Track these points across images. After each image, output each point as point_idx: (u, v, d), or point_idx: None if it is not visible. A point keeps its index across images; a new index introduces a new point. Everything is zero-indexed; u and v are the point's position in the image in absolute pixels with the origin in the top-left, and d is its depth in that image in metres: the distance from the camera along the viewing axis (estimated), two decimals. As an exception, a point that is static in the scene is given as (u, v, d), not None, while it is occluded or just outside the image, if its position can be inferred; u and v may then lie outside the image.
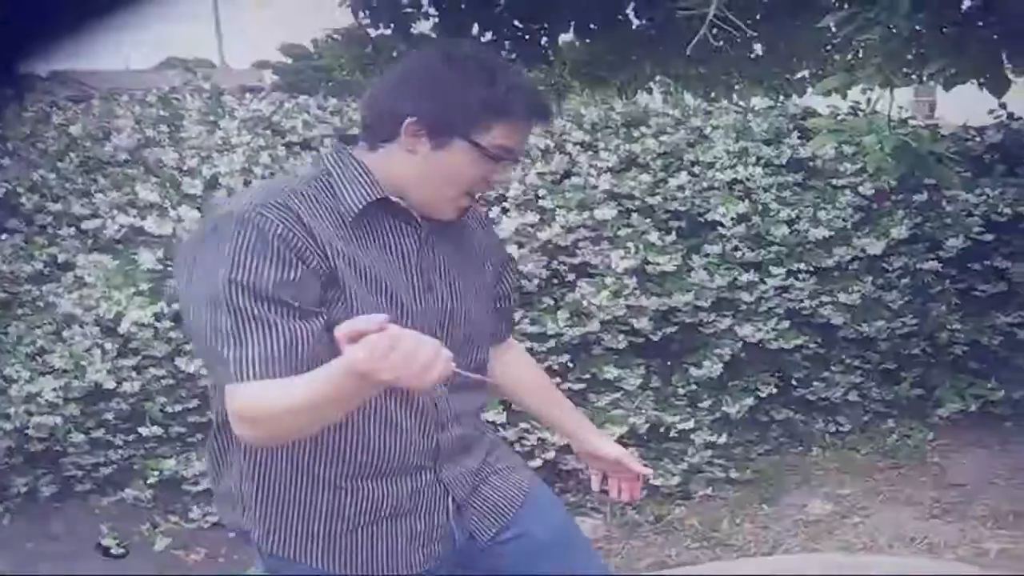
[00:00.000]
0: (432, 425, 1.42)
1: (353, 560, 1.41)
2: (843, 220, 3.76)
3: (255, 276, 1.21)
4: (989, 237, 3.85)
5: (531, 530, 1.54)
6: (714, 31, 3.03)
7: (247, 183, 3.54)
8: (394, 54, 3.96)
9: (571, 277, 3.58)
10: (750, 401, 3.70)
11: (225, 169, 3.60)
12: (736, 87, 4.37)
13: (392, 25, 3.98)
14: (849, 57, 4.05)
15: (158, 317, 3.14)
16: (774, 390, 3.82)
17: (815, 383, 3.91)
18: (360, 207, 1.33)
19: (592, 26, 3.97)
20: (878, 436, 3.98)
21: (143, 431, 3.20)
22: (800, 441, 3.95)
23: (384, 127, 1.36)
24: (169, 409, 3.24)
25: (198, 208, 3.41)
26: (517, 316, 3.16)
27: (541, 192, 3.61)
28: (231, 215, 1.25)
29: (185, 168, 3.71)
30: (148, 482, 3.25)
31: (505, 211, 3.56)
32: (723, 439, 3.56)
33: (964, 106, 4.16)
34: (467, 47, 1.61)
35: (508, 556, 1.52)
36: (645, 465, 1.71)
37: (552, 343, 3.40)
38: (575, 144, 3.94)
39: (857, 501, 3.58)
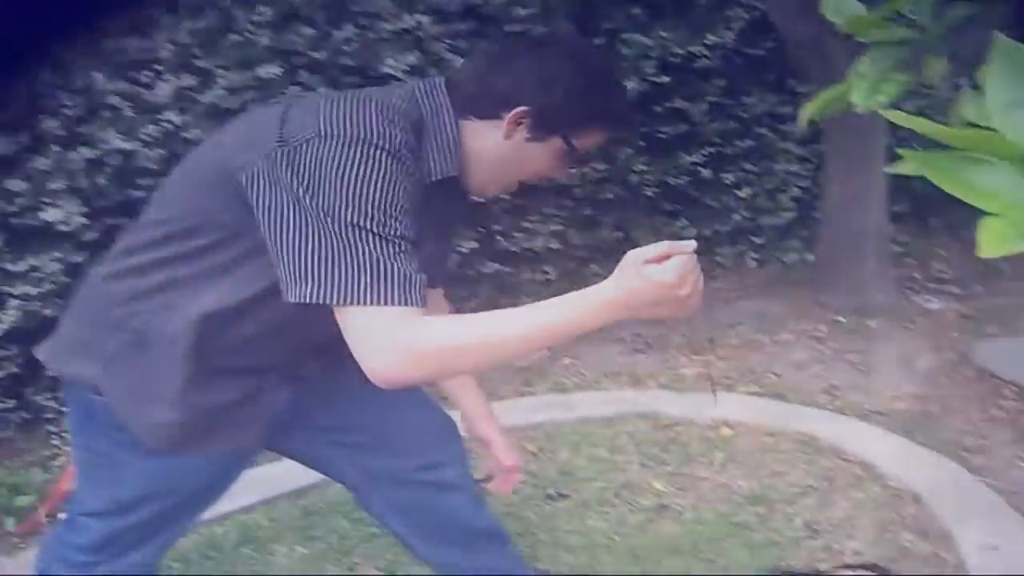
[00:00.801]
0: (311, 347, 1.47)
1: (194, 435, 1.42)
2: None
3: (399, 207, 1.20)
4: (666, 79, 3.89)
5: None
6: None
7: None
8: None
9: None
10: (455, 258, 3.58)
11: None
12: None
13: None
14: None
15: None
16: (476, 244, 3.72)
17: (516, 234, 3.86)
18: (439, 178, 1.33)
19: None
20: (583, 281, 4.01)
21: None
22: (509, 292, 3.91)
23: (487, 104, 1.35)
24: None
25: None
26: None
27: (196, 51, 3.15)
28: (371, 143, 1.21)
29: None
30: None
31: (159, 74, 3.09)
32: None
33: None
34: (584, 42, 1.64)
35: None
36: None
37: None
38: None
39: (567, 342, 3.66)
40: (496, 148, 1.36)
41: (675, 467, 2.80)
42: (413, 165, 1.26)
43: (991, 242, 0.79)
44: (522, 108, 1.33)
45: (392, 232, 1.18)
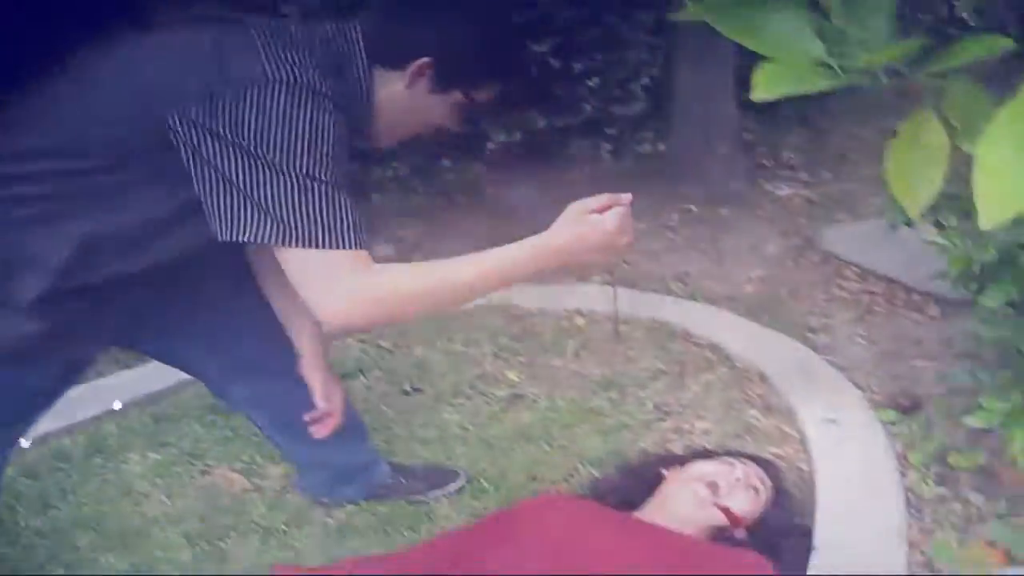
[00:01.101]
0: None
1: None
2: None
3: (334, 151, 1.24)
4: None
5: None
6: None
7: None
8: None
9: None
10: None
11: None
12: None
13: None
14: None
15: None
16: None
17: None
18: (356, 127, 1.33)
19: None
20: (435, 175, 3.94)
21: None
22: (361, 189, 3.77)
23: (393, 54, 1.35)
24: None
25: None
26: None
27: None
28: (316, 91, 1.22)
29: None
30: None
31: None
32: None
33: None
34: None
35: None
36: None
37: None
38: None
39: (419, 240, 3.61)
40: (399, 98, 1.38)
41: (529, 357, 2.79)
42: (343, 113, 1.28)
43: (764, 85, 0.76)
44: (425, 59, 1.34)
45: (337, 179, 1.24)
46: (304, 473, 2.03)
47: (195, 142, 1.21)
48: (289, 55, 1.24)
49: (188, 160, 1.22)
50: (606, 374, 2.65)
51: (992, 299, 1.59)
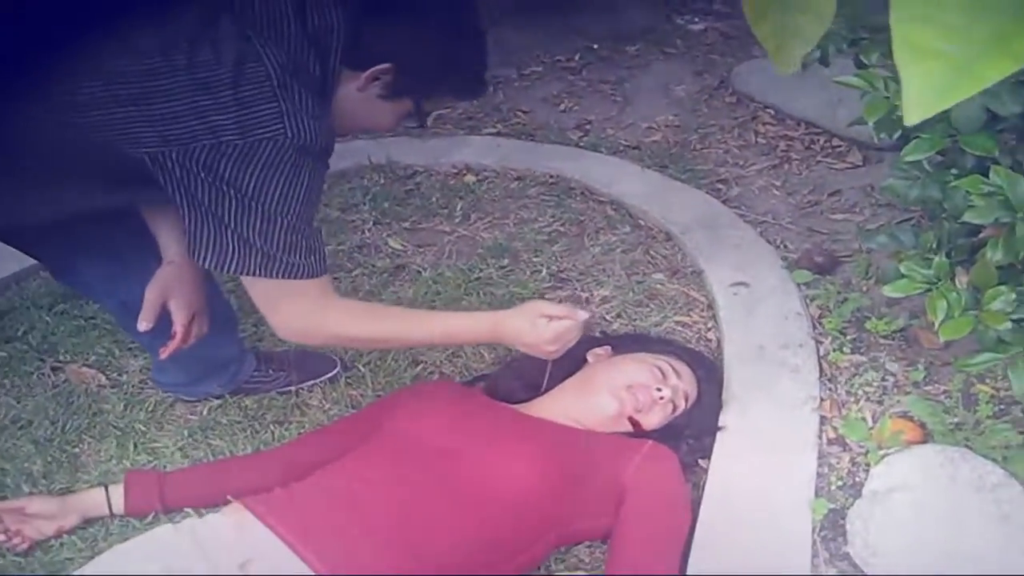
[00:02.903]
0: None
1: None
2: None
3: (313, 197, 1.40)
4: None
5: None
6: None
7: None
8: None
9: None
10: None
11: None
12: None
13: None
14: None
15: None
16: None
17: None
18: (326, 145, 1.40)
19: None
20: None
21: None
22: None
23: (356, 57, 1.37)
24: None
25: None
26: None
27: None
28: (306, 148, 1.32)
29: None
30: None
31: None
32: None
33: None
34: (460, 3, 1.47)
35: None
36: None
37: None
38: None
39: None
40: (347, 99, 1.40)
41: (413, 223, 2.60)
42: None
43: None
44: (384, 66, 1.37)
45: (311, 220, 1.40)
46: (163, 368, 1.94)
47: (187, 180, 1.31)
48: (300, 100, 1.31)
49: (174, 192, 1.33)
50: (497, 238, 2.49)
51: (916, 152, 1.44)
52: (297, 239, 1.38)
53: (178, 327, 1.66)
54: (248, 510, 1.41)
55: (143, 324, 1.63)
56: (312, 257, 1.41)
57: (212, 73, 1.29)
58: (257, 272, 1.38)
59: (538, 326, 1.54)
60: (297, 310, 1.46)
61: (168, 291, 1.65)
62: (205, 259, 1.36)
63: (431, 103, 1.50)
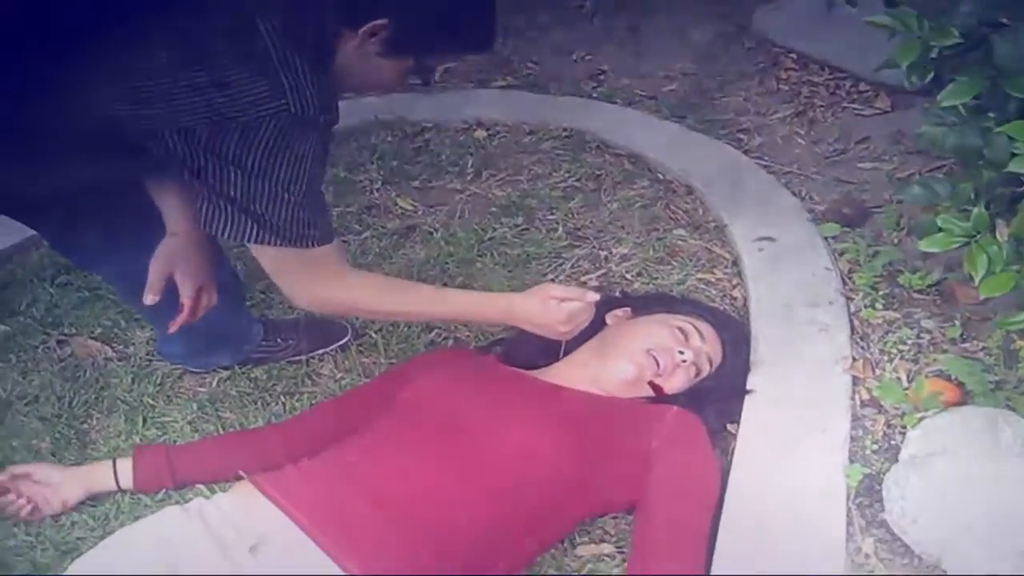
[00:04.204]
0: None
1: None
2: None
3: (317, 168, 1.40)
4: None
5: None
6: None
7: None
8: None
9: None
10: None
11: None
12: None
13: None
14: None
15: None
16: None
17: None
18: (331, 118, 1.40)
19: None
20: None
21: None
22: None
23: (351, 15, 1.34)
24: None
25: None
26: None
27: None
28: (306, 119, 1.31)
29: None
30: None
31: None
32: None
33: None
34: None
35: None
36: None
37: None
38: None
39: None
40: (346, 58, 1.37)
41: (423, 181, 2.55)
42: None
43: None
44: (380, 21, 1.32)
45: (318, 190, 1.42)
46: (170, 340, 1.92)
47: (191, 159, 1.32)
48: (300, 73, 1.30)
49: (180, 169, 1.35)
50: (511, 196, 2.43)
51: (955, 96, 1.37)
52: (305, 211, 1.38)
53: (186, 300, 1.64)
54: (258, 489, 1.38)
55: (149, 297, 1.61)
56: (320, 226, 1.42)
57: (210, 50, 1.29)
58: (266, 241, 1.39)
59: (550, 308, 1.56)
60: (308, 279, 1.48)
61: (174, 263, 1.62)
62: (214, 229, 1.38)
63: (436, 58, 1.48)
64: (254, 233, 1.38)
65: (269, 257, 1.46)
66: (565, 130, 2.65)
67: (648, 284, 2.08)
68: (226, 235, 1.38)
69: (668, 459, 1.51)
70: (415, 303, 1.60)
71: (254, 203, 1.35)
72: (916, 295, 1.85)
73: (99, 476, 1.70)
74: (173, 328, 1.67)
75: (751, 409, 1.64)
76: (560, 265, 2.18)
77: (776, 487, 1.50)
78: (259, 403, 1.90)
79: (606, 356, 1.67)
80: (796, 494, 1.48)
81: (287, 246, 1.41)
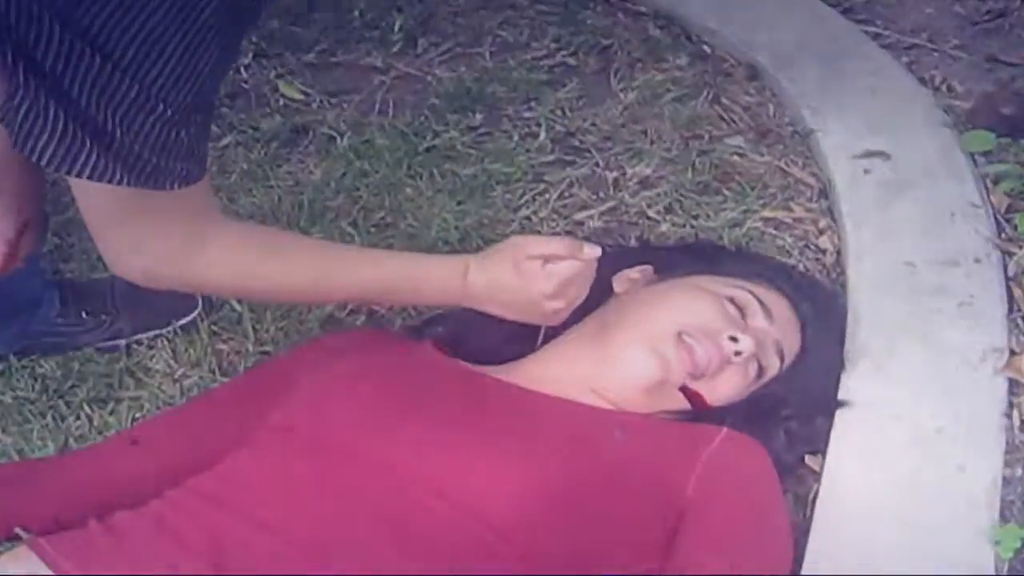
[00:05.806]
0: None
1: None
2: None
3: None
4: None
5: None
6: None
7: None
8: None
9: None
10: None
11: None
12: None
13: None
14: None
15: None
16: None
17: None
18: None
19: None
20: None
21: None
22: None
23: None
24: None
25: None
26: None
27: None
28: None
29: None
30: None
31: None
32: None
33: None
34: None
35: None
36: None
37: None
38: None
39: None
40: None
41: (320, 54, 2.68)
42: None
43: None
44: None
45: (209, 105, 1.47)
46: None
47: (22, 29, 1.29)
48: None
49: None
50: (463, 79, 2.55)
51: None
52: (180, 133, 1.38)
53: (1, 242, 1.76)
54: (43, 561, 1.38)
55: None
56: (193, 158, 1.42)
57: None
58: (115, 178, 1.38)
59: (526, 275, 1.57)
60: (158, 238, 1.50)
61: None
62: (41, 153, 1.35)
63: None
64: (95, 165, 1.36)
65: (100, 199, 1.46)
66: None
67: (682, 227, 2.10)
68: (53, 163, 1.36)
69: (713, 513, 1.50)
70: (312, 273, 1.61)
71: (105, 111, 1.33)
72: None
73: None
74: None
75: (844, 433, 1.66)
76: (541, 195, 2.22)
77: (881, 558, 1.50)
78: (48, 417, 1.94)
79: (611, 344, 1.66)
80: (913, 569, 1.48)
81: (141, 187, 1.39)
